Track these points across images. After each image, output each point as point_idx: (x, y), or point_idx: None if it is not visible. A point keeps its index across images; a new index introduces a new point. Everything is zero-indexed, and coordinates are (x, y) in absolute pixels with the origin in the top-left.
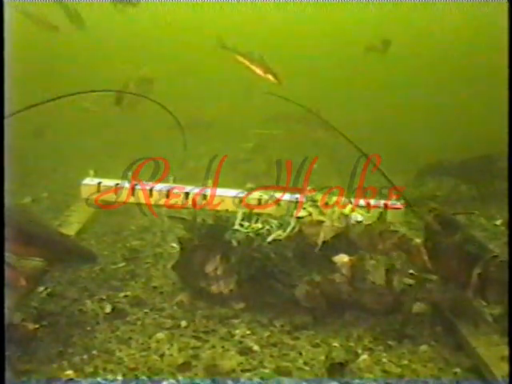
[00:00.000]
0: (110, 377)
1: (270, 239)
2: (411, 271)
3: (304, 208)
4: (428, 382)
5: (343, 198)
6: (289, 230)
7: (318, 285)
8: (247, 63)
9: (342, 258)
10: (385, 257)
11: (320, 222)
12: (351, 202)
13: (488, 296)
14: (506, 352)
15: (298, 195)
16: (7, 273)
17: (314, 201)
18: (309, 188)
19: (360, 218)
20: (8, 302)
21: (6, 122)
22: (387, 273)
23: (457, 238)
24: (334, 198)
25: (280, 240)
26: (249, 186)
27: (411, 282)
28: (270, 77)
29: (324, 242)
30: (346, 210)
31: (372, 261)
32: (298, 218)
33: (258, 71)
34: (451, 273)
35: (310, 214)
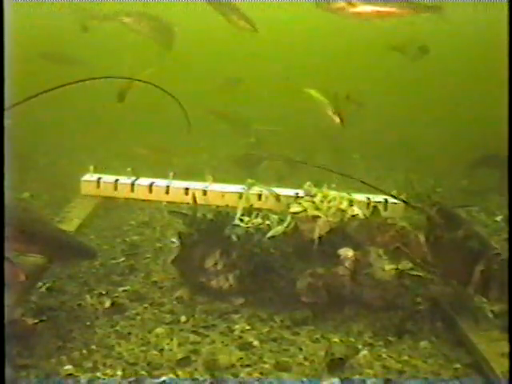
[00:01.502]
0: (109, 372)
1: (269, 235)
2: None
3: (299, 203)
4: (428, 378)
5: (342, 193)
6: (284, 225)
7: (320, 277)
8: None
9: (347, 252)
10: (389, 251)
11: (315, 218)
12: (350, 197)
13: (489, 294)
14: (507, 348)
15: (298, 190)
16: (7, 269)
17: (311, 196)
18: (308, 183)
19: (357, 211)
20: (7, 298)
21: (6, 114)
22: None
23: (460, 233)
24: (332, 193)
25: (277, 236)
26: (249, 181)
27: (420, 273)
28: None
29: (320, 238)
30: (343, 206)
31: (376, 255)
32: (294, 213)
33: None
34: (453, 268)
35: (305, 210)
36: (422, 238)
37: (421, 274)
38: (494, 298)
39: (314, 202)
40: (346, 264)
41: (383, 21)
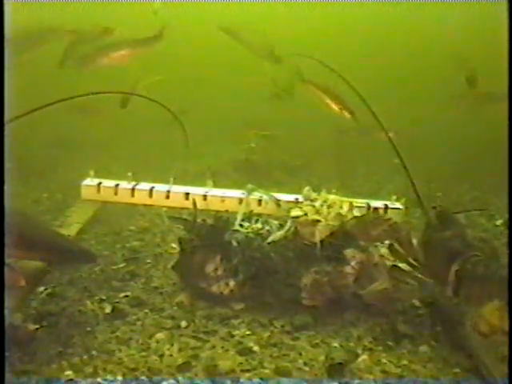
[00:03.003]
0: (109, 377)
1: (269, 240)
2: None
3: (300, 207)
4: (427, 383)
5: (342, 198)
6: (285, 229)
7: (326, 274)
8: (322, 95)
9: (354, 253)
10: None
11: (315, 222)
12: (350, 202)
13: (460, 293)
14: (506, 352)
15: (297, 195)
16: (7, 274)
17: (311, 200)
18: (307, 188)
19: (356, 215)
20: (8, 303)
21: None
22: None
23: (447, 233)
24: (332, 198)
25: (278, 241)
26: (249, 186)
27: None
28: (345, 113)
29: (322, 241)
30: (343, 211)
31: (378, 257)
32: (294, 217)
33: (333, 106)
34: (437, 268)
35: (306, 214)
36: (413, 237)
37: (414, 273)
38: (465, 297)
39: (314, 206)
40: (353, 263)
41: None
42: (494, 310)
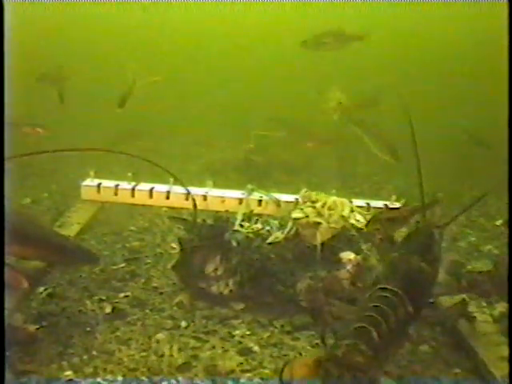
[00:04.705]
0: (109, 377)
1: (269, 241)
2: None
3: (301, 209)
4: (427, 383)
5: (343, 199)
6: (286, 231)
7: (320, 279)
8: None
9: (349, 255)
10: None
11: (317, 224)
12: (351, 205)
13: None
14: (506, 352)
15: (297, 196)
16: (9, 275)
17: (312, 202)
18: (304, 189)
19: (358, 218)
20: (8, 303)
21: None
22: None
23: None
24: (333, 199)
25: (278, 242)
26: (249, 186)
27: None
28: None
29: (322, 244)
30: (345, 212)
31: (375, 260)
32: (295, 219)
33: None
34: None
35: (307, 216)
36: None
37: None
38: None
39: (315, 208)
40: (348, 267)
41: None
42: (301, 365)
